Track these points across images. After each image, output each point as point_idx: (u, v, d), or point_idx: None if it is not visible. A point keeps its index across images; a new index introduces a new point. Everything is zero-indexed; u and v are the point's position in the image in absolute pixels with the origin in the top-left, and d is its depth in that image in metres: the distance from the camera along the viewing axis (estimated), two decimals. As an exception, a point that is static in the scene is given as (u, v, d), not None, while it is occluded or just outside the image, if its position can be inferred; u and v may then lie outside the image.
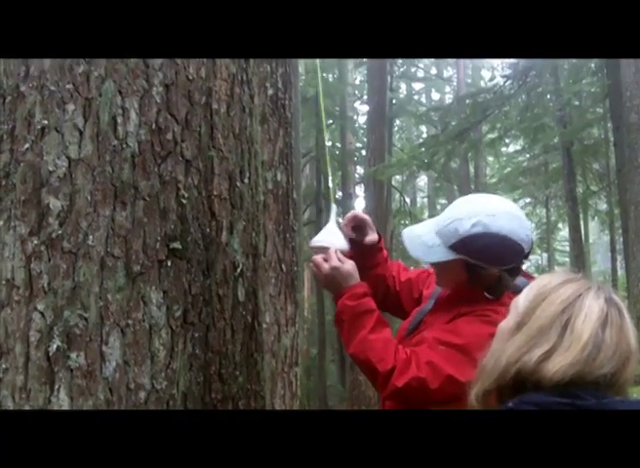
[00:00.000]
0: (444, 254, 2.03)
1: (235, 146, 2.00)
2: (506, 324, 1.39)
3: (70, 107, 1.75)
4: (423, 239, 2.09)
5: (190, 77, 1.88)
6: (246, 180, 2.03)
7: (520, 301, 1.38)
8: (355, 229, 2.34)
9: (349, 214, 2.36)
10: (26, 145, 1.75)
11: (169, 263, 1.78)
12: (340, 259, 2.14)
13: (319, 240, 2.24)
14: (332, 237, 2.24)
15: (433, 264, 2.15)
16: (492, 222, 1.98)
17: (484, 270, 2.02)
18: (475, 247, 1.98)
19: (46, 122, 1.75)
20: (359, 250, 2.31)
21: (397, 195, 21.01)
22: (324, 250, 2.20)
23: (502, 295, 2.02)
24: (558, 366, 1.23)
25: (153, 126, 1.81)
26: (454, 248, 2.01)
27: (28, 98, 1.77)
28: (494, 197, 2.14)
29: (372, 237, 2.34)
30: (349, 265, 2.14)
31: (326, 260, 2.15)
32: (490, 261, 2.00)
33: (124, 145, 1.77)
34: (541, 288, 1.35)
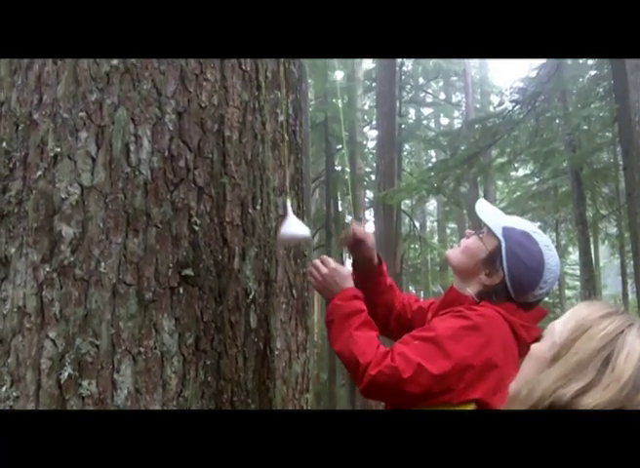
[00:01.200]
0: (495, 226, 2.07)
1: (247, 173, 2.00)
2: (541, 352, 1.36)
3: (83, 135, 1.76)
4: (494, 209, 2.18)
5: (203, 105, 1.89)
6: (258, 207, 2.03)
7: (557, 330, 1.34)
8: (354, 248, 2.34)
9: (348, 231, 2.36)
10: (39, 173, 1.76)
11: (181, 290, 1.78)
12: (337, 264, 2.20)
13: (289, 232, 2.22)
14: (298, 228, 2.23)
15: (477, 233, 2.15)
16: (545, 244, 2.04)
17: (498, 268, 2.03)
18: (519, 240, 2.03)
19: (59, 149, 1.75)
20: (360, 272, 2.32)
21: (407, 219, 21.00)
22: (294, 240, 2.32)
23: (485, 301, 2.03)
24: (594, 403, 1.20)
25: (166, 153, 1.81)
26: (505, 229, 2.05)
27: (41, 126, 1.79)
28: None
29: (370, 254, 2.34)
30: (346, 270, 2.20)
31: (324, 264, 2.19)
32: (512, 261, 2.01)
33: (136, 172, 1.77)
34: (581, 319, 1.31)
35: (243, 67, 2.03)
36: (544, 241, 2.05)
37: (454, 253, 2.17)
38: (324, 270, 2.17)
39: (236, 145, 1.97)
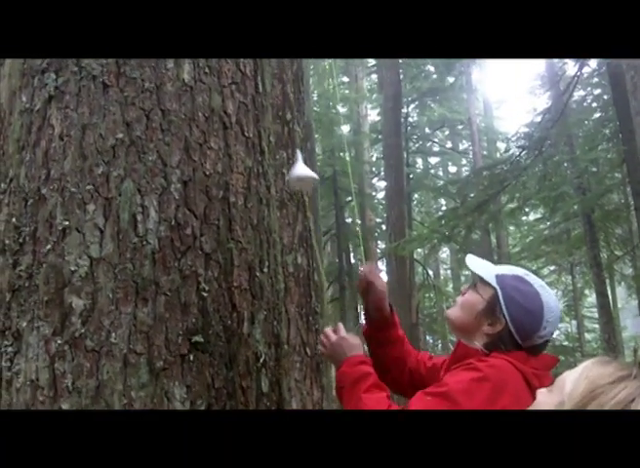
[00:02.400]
0: (488, 275, 2.07)
1: (254, 237, 2.02)
2: (547, 406, 1.34)
3: (91, 207, 1.79)
4: (483, 261, 2.19)
5: (207, 173, 1.93)
6: (265, 270, 2.05)
7: (567, 388, 1.31)
8: (366, 292, 2.36)
9: (361, 276, 2.40)
10: (48, 246, 1.79)
11: (191, 358, 1.79)
12: (347, 334, 2.22)
13: (297, 174, 2.31)
14: (305, 171, 2.31)
15: (472, 287, 2.15)
16: (540, 285, 2.05)
17: (499, 317, 2.02)
18: (514, 285, 2.03)
19: (67, 223, 1.79)
20: (372, 323, 2.35)
21: (420, 268, 20.97)
22: (307, 181, 2.37)
23: (494, 352, 2.02)
24: None
25: (172, 222, 1.84)
26: (498, 277, 2.06)
27: (50, 201, 1.82)
28: None
29: (381, 303, 2.36)
30: (356, 339, 2.20)
31: (335, 332, 2.21)
32: (512, 308, 2.01)
33: (144, 242, 1.80)
34: (593, 384, 1.27)
35: (246, 134, 2.07)
36: (538, 282, 2.06)
37: (453, 312, 2.17)
38: (333, 338, 2.19)
39: (242, 210, 2.00)
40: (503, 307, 2.01)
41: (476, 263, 2.16)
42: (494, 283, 2.05)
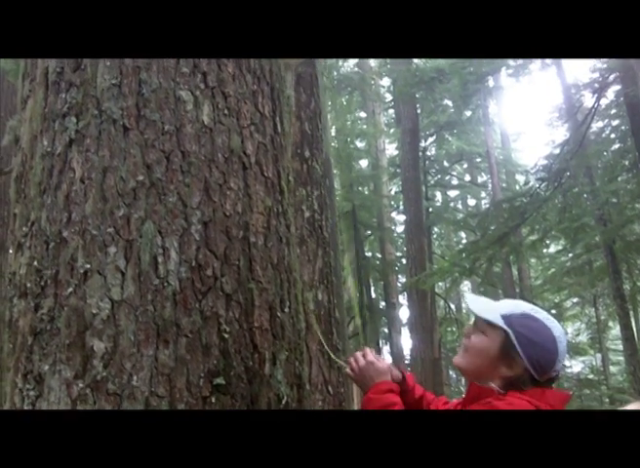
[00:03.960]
0: (495, 317, 2.02)
1: (274, 277, 2.02)
2: None
3: (112, 250, 1.80)
4: (484, 299, 2.14)
5: (227, 213, 1.93)
6: (286, 309, 2.04)
7: None
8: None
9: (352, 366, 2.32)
10: (70, 289, 1.79)
11: (213, 400, 1.77)
12: (376, 358, 2.20)
13: None
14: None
15: (475, 328, 2.10)
16: (546, 317, 2.02)
17: (515, 358, 1.98)
18: (523, 323, 1.99)
19: (88, 266, 1.79)
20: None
21: (441, 302, 20.84)
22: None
23: (511, 391, 1.99)
24: None
25: (193, 263, 1.84)
26: (505, 317, 2.01)
27: (71, 243, 1.83)
28: None
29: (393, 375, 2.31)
30: (384, 364, 2.19)
31: (364, 356, 2.20)
32: (527, 347, 1.97)
33: (165, 284, 1.80)
34: None
35: (265, 174, 2.08)
36: (544, 315, 2.03)
37: (462, 360, 2.10)
38: (362, 363, 2.18)
39: (262, 250, 2.00)
40: (519, 349, 1.97)
41: (479, 306, 2.10)
42: (502, 325, 2.00)
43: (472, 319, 2.13)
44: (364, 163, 22.06)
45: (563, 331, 2.03)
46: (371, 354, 2.21)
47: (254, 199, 2.02)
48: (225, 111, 2.02)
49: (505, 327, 2.00)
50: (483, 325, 2.05)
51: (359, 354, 2.23)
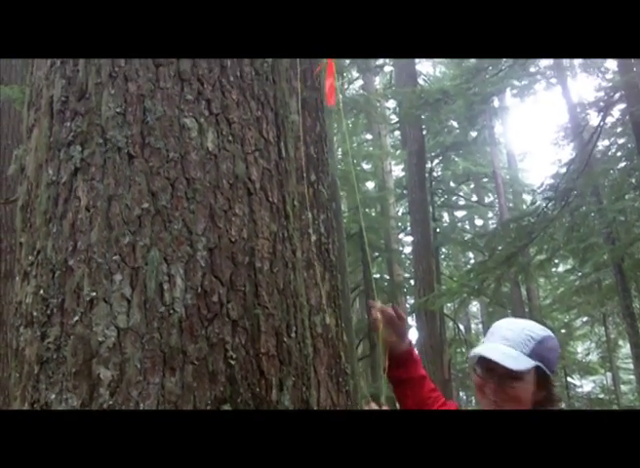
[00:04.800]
0: (528, 362, 2.00)
1: (280, 302, 2.01)
2: None
3: (118, 278, 1.80)
4: (505, 351, 2.04)
5: (233, 239, 1.93)
6: (293, 335, 2.03)
7: None
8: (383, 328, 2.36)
9: (372, 309, 2.42)
10: (76, 318, 1.79)
11: (220, 427, 1.76)
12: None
13: None
14: None
15: (515, 379, 2.07)
16: (544, 329, 2.11)
17: (548, 381, 2.05)
18: (547, 347, 2.04)
19: (94, 294, 1.79)
20: (390, 357, 2.36)
21: (450, 323, 20.76)
22: None
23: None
24: None
25: (199, 289, 1.84)
26: (531, 355, 2.01)
27: (77, 272, 1.83)
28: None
29: (398, 336, 2.39)
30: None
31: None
32: (553, 365, 2.06)
33: (171, 311, 1.79)
34: None
35: (270, 199, 2.08)
36: (545, 329, 2.11)
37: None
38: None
39: (268, 276, 1.99)
40: (549, 372, 2.05)
41: (505, 359, 2.02)
42: (531, 363, 2.00)
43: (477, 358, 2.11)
44: (370, 185, 22.10)
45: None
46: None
47: (259, 224, 2.02)
48: (230, 138, 2.03)
49: (536, 363, 2.02)
50: (518, 374, 2.03)
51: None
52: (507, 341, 2.06)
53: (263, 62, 2.22)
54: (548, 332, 2.08)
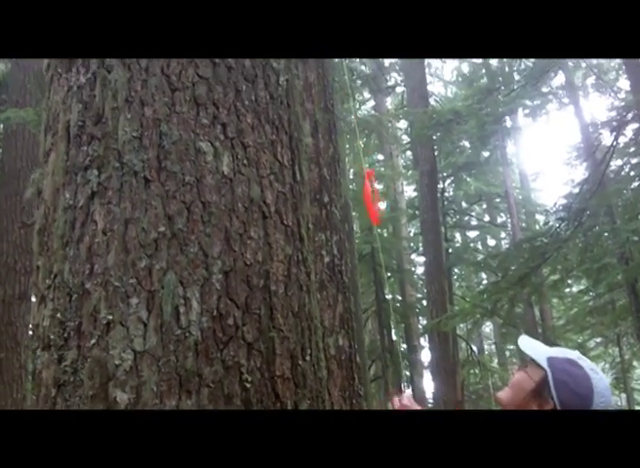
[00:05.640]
0: (539, 357, 2.06)
1: (295, 325, 2.02)
2: None
3: (134, 301, 1.81)
4: (536, 342, 2.16)
5: (248, 262, 1.94)
6: (308, 358, 2.03)
7: None
8: None
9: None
10: (93, 341, 1.80)
11: (235, 450, 1.76)
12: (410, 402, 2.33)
13: None
14: None
15: (521, 366, 2.16)
16: (591, 368, 2.03)
17: (547, 399, 2.00)
18: (565, 368, 2.01)
19: (111, 317, 1.80)
20: None
21: (463, 344, 20.65)
22: None
23: None
24: None
25: (214, 312, 1.85)
26: (549, 359, 2.04)
27: (93, 295, 1.84)
28: None
29: None
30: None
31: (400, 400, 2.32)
32: (562, 391, 1.98)
33: (187, 334, 1.80)
34: None
35: (285, 222, 2.10)
36: (590, 365, 2.04)
37: (502, 392, 2.14)
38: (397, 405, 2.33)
39: (282, 299, 2.00)
40: (552, 390, 1.98)
41: (528, 344, 2.15)
42: (544, 365, 2.02)
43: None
44: (382, 205, 22.12)
45: (607, 386, 2.02)
46: (406, 399, 2.34)
47: (274, 247, 2.03)
48: (245, 161, 2.05)
49: (546, 367, 2.02)
50: (528, 362, 2.10)
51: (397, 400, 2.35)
52: (547, 347, 2.14)
53: (278, 87, 2.24)
54: (584, 371, 2.01)
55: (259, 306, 1.93)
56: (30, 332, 1.99)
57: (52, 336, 1.87)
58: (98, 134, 1.99)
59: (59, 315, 1.88)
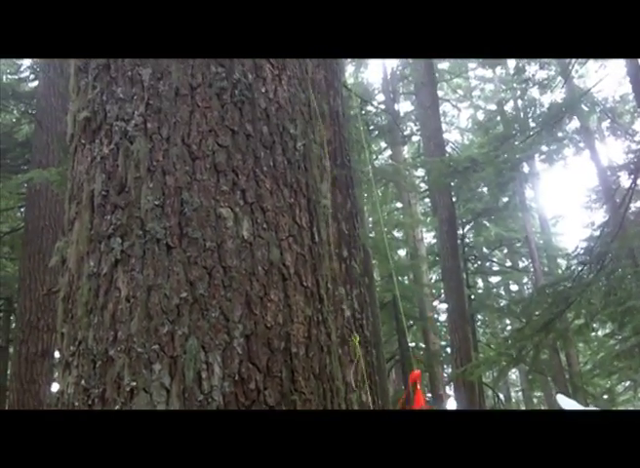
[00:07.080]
0: None
1: (317, 387, 2.03)
2: None
3: (157, 367, 1.83)
4: (574, 403, 2.32)
5: (269, 325, 1.96)
6: (330, 419, 2.03)
7: None
8: None
9: None
10: (117, 407, 1.82)
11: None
12: None
13: None
14: None
15: None
16: None
17: None
18: None
19: (134, 383, 1.82)
20: None
21: (490, 392, 20.35)
22: None
23: None
24: None
25: (236, 377, 1.86)
26: None
27: (117, 362, 1.87)
28: None
29: None
30: None
31: None
32: None
33: (209, 399, 1.82)
34: None
35: (304, 284, 2.12)
36: None
37: None
38: None
39: (304, 360, 2.02)
40: None
41: (567, 404, 2.21)
42: None
43: None
44: (402, 252, 22.09)
45: None
46: None
47: (294, 309, 2.05)
48: (264, 225, 2.08)
49: None
50: None
51: None
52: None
53: (295, 151, 2.29)
54: None
55: (280, 369, 1.94)
56: (55, 399, 2.01)
57: (76, 403, 1.90)
58: (121, 203, 2.04)
59: (83, 382, 1.90)
